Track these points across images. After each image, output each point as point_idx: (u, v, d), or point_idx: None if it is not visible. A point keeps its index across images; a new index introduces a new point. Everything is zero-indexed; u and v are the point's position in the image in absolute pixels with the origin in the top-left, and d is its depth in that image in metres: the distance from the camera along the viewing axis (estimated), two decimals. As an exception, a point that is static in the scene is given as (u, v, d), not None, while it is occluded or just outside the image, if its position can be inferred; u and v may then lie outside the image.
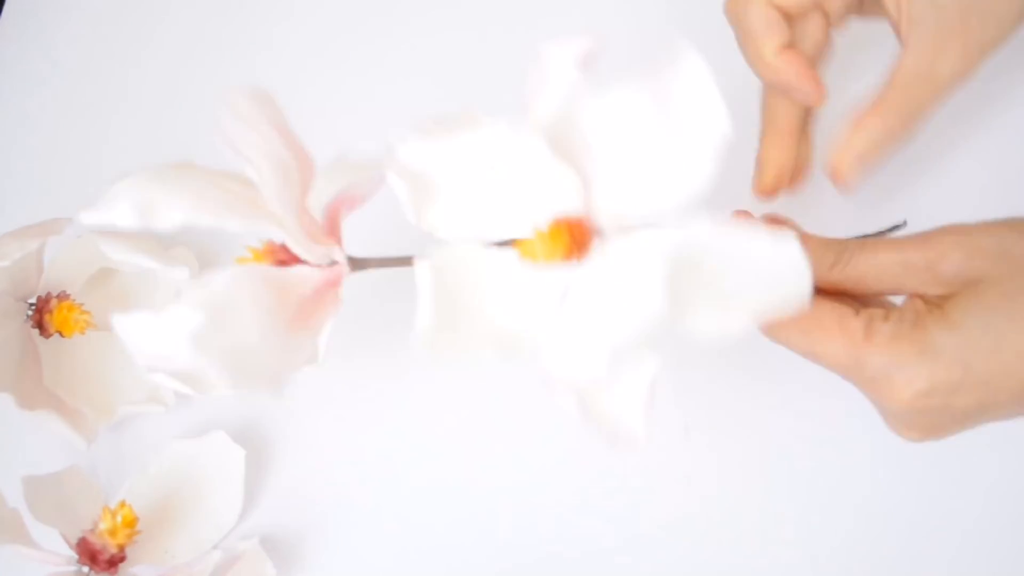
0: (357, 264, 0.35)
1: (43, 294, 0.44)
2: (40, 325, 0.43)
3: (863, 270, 0.34)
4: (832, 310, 0.33)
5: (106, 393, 0.45)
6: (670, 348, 0.30)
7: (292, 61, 0.54)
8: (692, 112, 0.28)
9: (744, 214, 0.37)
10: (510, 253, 0.33)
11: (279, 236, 0.34)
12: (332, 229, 0.36)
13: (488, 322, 0.33)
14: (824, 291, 0.34)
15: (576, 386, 0.31)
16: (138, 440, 0.45)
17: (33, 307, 0.44)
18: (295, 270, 0.34)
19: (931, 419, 0.33)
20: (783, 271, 0.30)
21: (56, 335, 0.43)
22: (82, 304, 0.43)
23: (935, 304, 0.32)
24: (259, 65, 0.54)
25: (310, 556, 0.43)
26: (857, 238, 0.36)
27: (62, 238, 0.43)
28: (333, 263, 0.35)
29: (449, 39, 0.53)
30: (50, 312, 0.43)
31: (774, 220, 0.36)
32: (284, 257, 0.34)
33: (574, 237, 0.31)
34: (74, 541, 0.39)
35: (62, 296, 0.43)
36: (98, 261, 0.44)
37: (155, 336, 0.32)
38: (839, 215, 0.45)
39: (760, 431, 0.43)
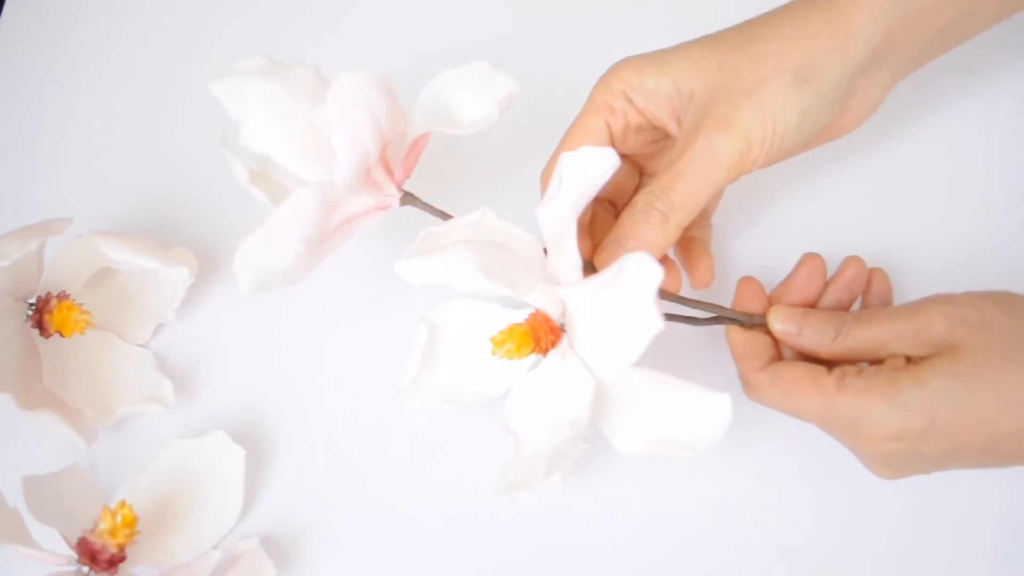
0: (408, 199, 0.40)
1: (43, 294, 0.44)
2: (40, 325, 0.43)
3: (860, 341, 0.37)
4: (807, 370, 0.37)
5: (106, 393, 0.45)
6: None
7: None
8: (632, 315, 0.34)
9: (749, 282, 0.41)
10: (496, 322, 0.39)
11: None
12: (410, 156, 0.40)
13: (463, 376, 0.40)
14: (811, 357, 0.38)
15: (520, 440, 0.38)
16: (138, 440, 0.45)
17: (33, 307, 0.44)
18: (354, 198, 0.39)
19: (901, 461, 0.36)
20: (703, 419, 0.36)
21: (56, 335, 0.43)
22: (82, 304, 0.43)
23: (914, 362, 0.36)
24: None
25: (310, 556, 0.43)
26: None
27: (62, 238, 0.43)
28: (389, 195, 0.40)
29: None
30: (50, 312, 0.43)
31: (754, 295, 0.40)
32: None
33: (545, 334, 0.38)
34: (74, 541, 0.39)
35: (62, 296, 0.43)
36: (98, 261, 0.44)
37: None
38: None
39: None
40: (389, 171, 0.39)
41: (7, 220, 0.48)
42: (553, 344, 0.38)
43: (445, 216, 0.40)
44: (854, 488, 0.42)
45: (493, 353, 0.38)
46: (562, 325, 0.39)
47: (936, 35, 0.39)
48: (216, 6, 0.56)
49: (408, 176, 0.42)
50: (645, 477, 0.43)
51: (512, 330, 0.38)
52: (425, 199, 0.40)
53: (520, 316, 0.39)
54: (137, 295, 0.47)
